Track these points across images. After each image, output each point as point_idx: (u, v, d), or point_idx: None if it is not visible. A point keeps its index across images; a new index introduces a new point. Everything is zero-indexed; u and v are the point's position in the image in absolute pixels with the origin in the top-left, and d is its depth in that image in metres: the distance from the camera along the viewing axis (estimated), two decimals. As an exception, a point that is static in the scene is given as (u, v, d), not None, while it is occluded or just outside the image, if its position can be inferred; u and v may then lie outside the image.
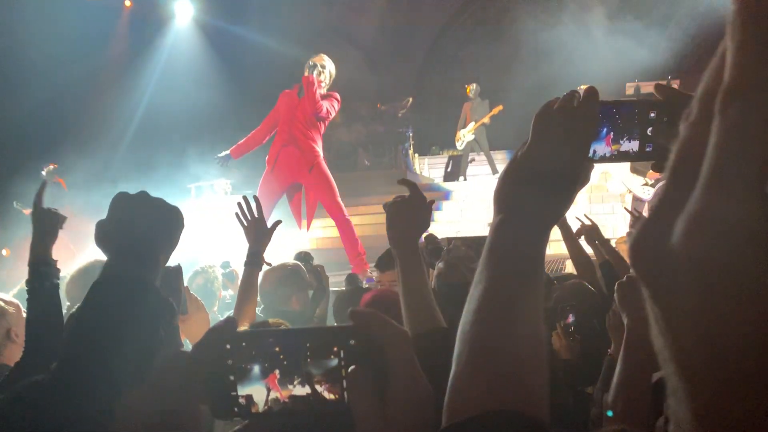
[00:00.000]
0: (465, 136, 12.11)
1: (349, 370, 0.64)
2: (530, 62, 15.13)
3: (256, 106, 6.72)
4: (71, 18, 10.98)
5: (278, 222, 2.71)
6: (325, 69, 6.01)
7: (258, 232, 2.55)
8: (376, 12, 16.21)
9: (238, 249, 6.10)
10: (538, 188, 0.77)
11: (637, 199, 7.57)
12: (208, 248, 6.02)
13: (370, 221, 9.94)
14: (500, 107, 11.81)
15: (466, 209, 10.48)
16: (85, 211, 6.55)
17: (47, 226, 2.00)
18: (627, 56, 12.45)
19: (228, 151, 6.23)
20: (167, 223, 1.05)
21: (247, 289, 2.46)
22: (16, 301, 2.28)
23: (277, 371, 0.64)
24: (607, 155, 0.86)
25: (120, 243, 1.00)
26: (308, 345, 0.64)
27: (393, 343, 0.64)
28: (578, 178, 0.80)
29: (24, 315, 2.22)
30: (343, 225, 6.06)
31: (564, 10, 14.95)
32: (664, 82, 11.77)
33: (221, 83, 12.86)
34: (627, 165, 8.67)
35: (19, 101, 9.79)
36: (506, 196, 0.80)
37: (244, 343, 0.65)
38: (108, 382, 0.91)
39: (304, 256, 3.54)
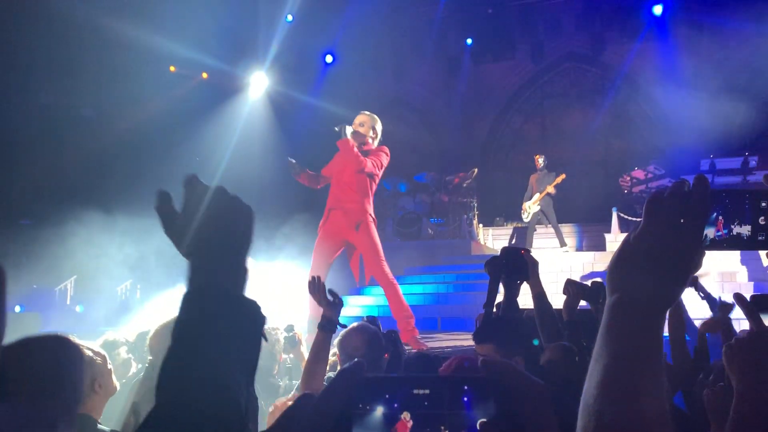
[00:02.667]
0: (531, 207, 11.98)
1: (480, 422, 0.63)
2: (598, 136, 15.04)
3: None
4: (154, 88, 11.70)
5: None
6: (363, 127, 6.04)
7: (329, 301, 2.62)
8: (443, 85, 16.59)
9: (300, 313, 6.10)
10: (652, 272, 0.80)
11: None
12: (271, 310, 6.07)
13: (433, 290, 9.86)
14: (563, 176, 11.65)
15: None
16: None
17: None
18: (701, 131, 12.18)
19: (302, 170, 6.20)
20: (248, 223, 0.97)
21: (318, 352, 2.48)
22: (103, 352, 2.33)
23: (407, 417, 0.64)
24: (717, 240, 0.87)
25: (217, 251, 0.93)
26: (434, 393, 0.64)
27: (530, 394, 0.65)
28: (692, 261, 0.82)
29: (110, 367, 2.28)
30: (388, 287, 5.91)
31: (634, 85, 14.90)
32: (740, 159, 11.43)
33: (291, 152, 13.28)
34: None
35: (103, 166, 10.37)
36: (621, 278, 0.83)
37: (377, 386, 0.66)
38: (221, 397, 0.84)
39: (372, 320, 3.48)
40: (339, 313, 2.65)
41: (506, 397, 0.64)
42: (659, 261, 0.81)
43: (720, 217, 0.86)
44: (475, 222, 13.36)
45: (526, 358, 2.38)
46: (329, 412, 0.66)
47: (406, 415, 0.64)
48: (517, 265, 3.14)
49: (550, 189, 11.66)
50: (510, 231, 13.99)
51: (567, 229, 12.61)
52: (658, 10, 13.97)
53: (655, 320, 0.79)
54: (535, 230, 12.26)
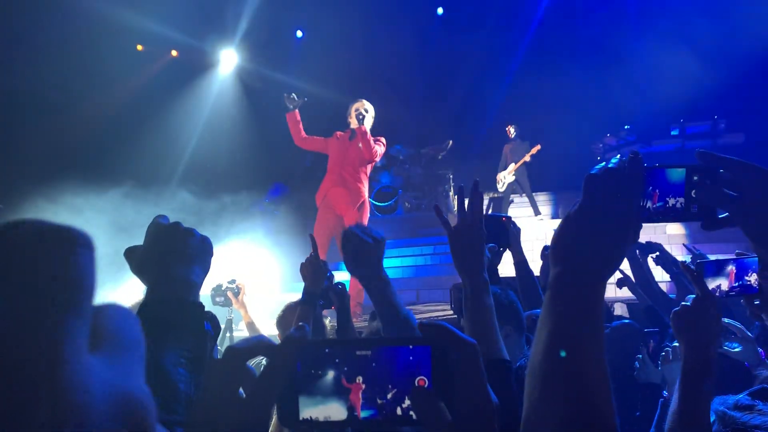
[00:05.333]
0: (505, 177, 12.05)
1: (413, 389, 0.66)
2: (572, 104, 15.10)
3: (299, 153, 6.86)
4: (122, 68, 11.46)
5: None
6: (368, 114, 6.34)
7: (314, 272, 2.56)
8: (415, 56, 16.48)
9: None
10: (591, 245, 0.85)
11: None
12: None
13: (411, 263, 9.91)
14: (538, 147, 11.74)
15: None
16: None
17: None
18: (671, 96, 12.31)
19: (298, 105, 6.34)
20: (202, 250, 1.15)
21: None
22: None
23: (360, 381, 0.66)
24: (653, 211, 0.93)
25: (161, 270, 1.10)
26: (375, 354, 0.67)
27: (462, 353, 0.68)
28: (628, 233, 0.87)
29: None
30: None
31: (604, 54, 14.94)
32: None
33: (262, 129, 13.14)
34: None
35: (72, 147, 10.19)
36: (562, 251, 0.87)
37: (326, 351, 0.68)
38: (172, 395, 0.93)
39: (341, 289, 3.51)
40: (320, 288, 2.62)
41: (441, 356, 0.66)
42: (598, 234, 0.85)
43: (656, 191, 0.92)
44: (451, 194, 13.41)
45: (515, 327, 2.41)
46: (277, 377, 0.68)
47: (359, 378, 0.66)
48: (498, 232, 3.16)
49: (527, 158, 11.74)
50: (486, 201, 14.07)
51: (541, 198, 12.72)
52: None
53: (595, 289, 0.83)
54: (512, 201, 12.35)
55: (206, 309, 1.11)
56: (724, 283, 1.80)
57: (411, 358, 0.66)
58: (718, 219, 0.92)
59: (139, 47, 12.93)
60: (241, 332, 4.96)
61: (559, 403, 0.74)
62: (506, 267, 3.29)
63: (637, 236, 0.89)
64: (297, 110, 6.31)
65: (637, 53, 13.88)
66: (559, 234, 0.89)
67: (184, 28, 12.36)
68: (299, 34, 15.31)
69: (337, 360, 0.67)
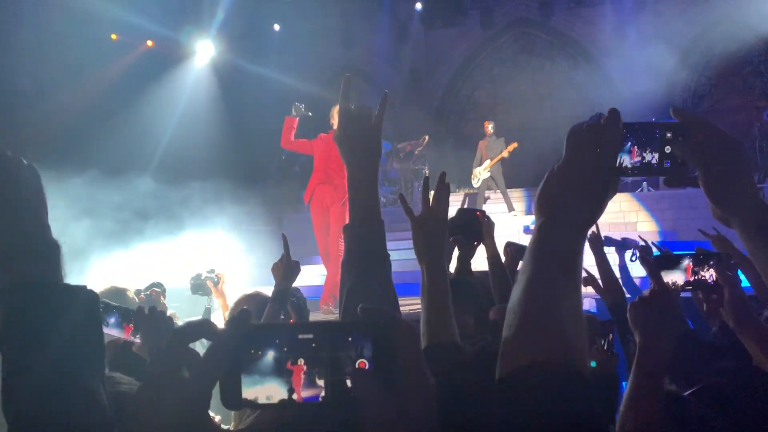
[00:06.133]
0: (481, 173, 12.12)
1: (353, 370, 0.68)
2: (546, 102, 15.23)
3: (275, 146, 6.83)
4: (96, 57, 11.28)
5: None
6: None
7: (285, 270, 2.56)
8: (393, 52, 16.47)
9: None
10: (573, 195, 0.90)
11: None
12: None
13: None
14: (515, 144, 11.84)
15: (482, 246, 10.42)
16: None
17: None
18: (645, 95, 12.47)
19: (299, 116, 6.50)
20: (38, 184, 0.87)
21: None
22: None
23: (298, 361, 0.68)
24: (630, 167, 0.97)
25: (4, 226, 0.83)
26: (317, 337, 0.69)
27: (400, 336, 0.70)
28: (607, 185, 0.92)
29: None
30: (336, 260, 6.41)
31: (580, 52, 15.09)
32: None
33: (238, 122, 13.03)
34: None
35: (43, 139, 10.01)
36: (545, 202, 0.92)
37: (267, 333, 0.70)
38: (84, 399, 0.82)
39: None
40: (291, 286, 2.60)
41: (381, 338, 0.69)
42: (579, 185, 0.90)
43: (634, 147, 0.96)
44: (425, 189, 13.44)
45: (477, 317, 2.44)
46: (220, 358, 0.69)
47: (301, 361, 0.68)
48: (472, 226, 3.18)
49: (505, 154, 11.84)
50: (461, 197, 14.13)
51: (516, 194, 12.81)
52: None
53: (576, 238, 0.88)
54: (488, 197, 12.42)
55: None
56: (680, 278, 1.82)
57: (351, 340, 0.68)
58: (686, 176, 0.97)
59: (114, 36, 12.73)
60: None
61: (535, 336, 0.79)
62: (480, 261, 3.31)
63: (616, 188, 0.94)
64: (297, 118, 6.47)
65: (611, 52, 14.03)
66: (543, 187, 0.93)
67: (159, 18, 12.19)
68: (276, 27, 15.20)
69: (278, 341, 0.68)
